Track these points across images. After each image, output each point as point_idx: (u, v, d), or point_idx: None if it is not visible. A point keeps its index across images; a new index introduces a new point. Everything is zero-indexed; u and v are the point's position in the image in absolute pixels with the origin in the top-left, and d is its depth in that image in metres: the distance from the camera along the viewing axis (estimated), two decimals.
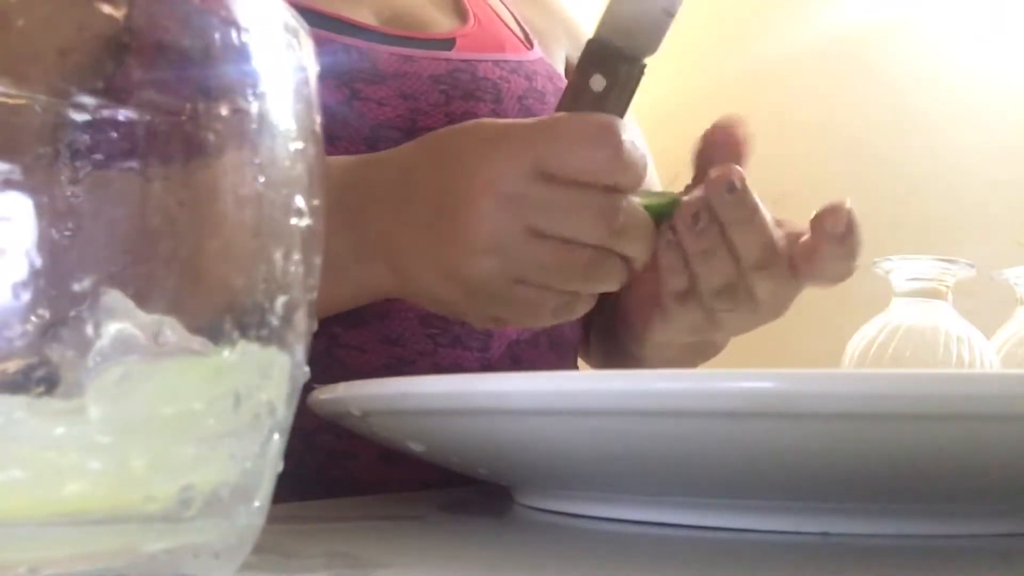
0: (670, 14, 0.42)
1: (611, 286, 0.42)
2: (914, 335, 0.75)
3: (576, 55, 0.75)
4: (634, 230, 0.41)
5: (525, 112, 0.60)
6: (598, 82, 0.42)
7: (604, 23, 0.43)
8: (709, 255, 0.43)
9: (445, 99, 0.58)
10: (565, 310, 0.43)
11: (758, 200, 0.43)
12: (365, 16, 0.62)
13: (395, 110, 0.56)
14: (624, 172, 0.40)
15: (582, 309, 0.43)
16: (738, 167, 0.42)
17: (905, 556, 0.28)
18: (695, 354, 0.57)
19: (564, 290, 0.42)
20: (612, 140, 0.40)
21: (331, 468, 0.53)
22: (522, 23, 0.70)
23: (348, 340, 0.53)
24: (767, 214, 0.43)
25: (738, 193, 0.42)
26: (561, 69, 0.72)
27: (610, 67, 0.43)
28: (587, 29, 0.77)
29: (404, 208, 0.43)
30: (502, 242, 0.40)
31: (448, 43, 0.62)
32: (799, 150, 1.47)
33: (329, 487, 0.52)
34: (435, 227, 0.41)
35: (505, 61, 0.62)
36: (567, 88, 0.45)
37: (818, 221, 0.44)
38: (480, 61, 0.61)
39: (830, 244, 0.43)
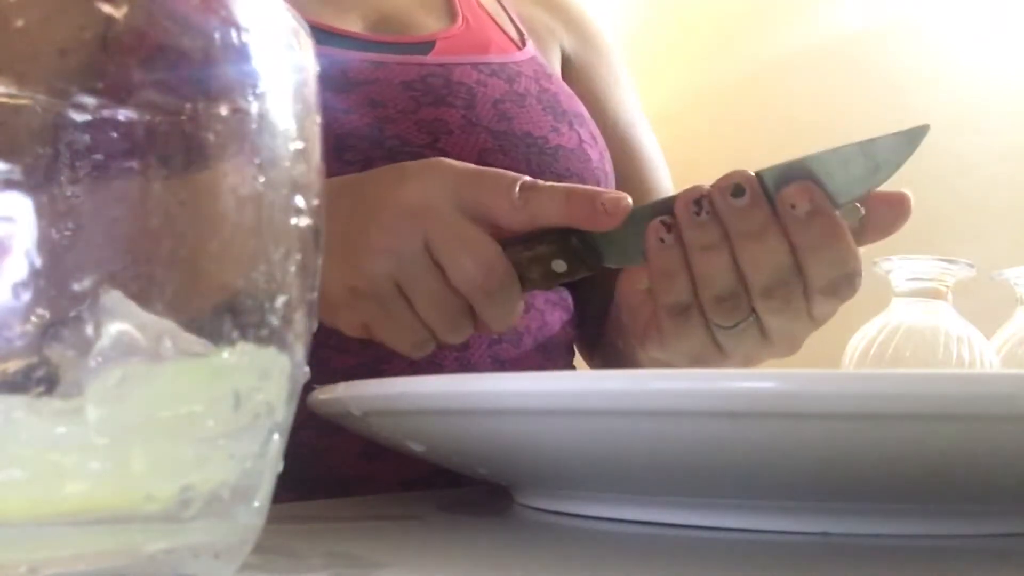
0: (646, 259, 0.43)
1: (455, 341, 0.44)
2: (914, 335, 0.75)
3: (578, 49, 0.75)
4: (502, 298, 0.43)
5: (501, 116, 0.59)
6: (559, 266, 0.44)
7: (593, 234, 0.43)
8: (711, 252, 0.41)
9: (415, 105, 0.57)
10: (419, 347, 0.44)
11: (770, 216, 0.40)
12: (351, 21, 0.61)
13: (362, 118, 0.55)
14: (513, 209, 0.42)
15: (427, 351, 0.45)
16: (749, 172, 0.40)
17: (905, 556, 0.28)
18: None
19: (427, 326, 0.43)
20: (518, 184, 0.42)
21: (313, 464, 0.53)
22: (518, 22, 0.69)
23: (326, 339, 0.53)
24: (783, 236, 0.40)
25: (746, 200, 0.40)
26: (557, 66, 0.71)
27: (577, 265, 0.44)
28: (596, 28, 0.76)
29: (332, 209, 0.44)
30: (400, 247, 0.42)
31: (427, 46, 0.62)
32: (799, 150, 1.47)
33: (311, 484, 0.52)
34: (349, 221, 0.43)
35: (486, 64, 0.61)
36: (529, 241, 0.44)
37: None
38: (457, 65, 0.60)
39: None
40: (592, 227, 0.42)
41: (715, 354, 0.44)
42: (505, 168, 0.57)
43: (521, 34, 0.68)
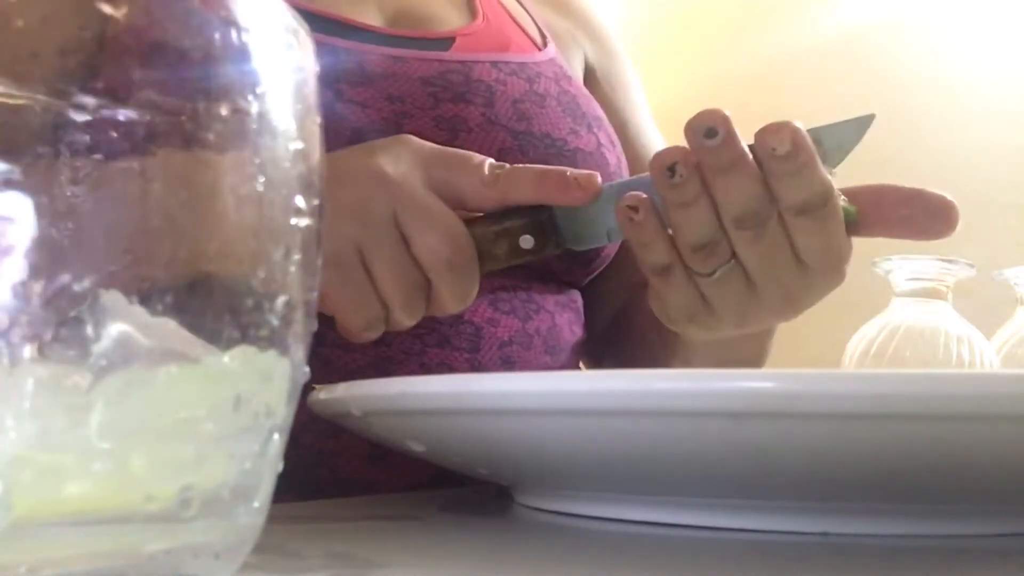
0: (610, 238, 0.46)
1: (407, 322, 0.45)
2: (914, 335, 0.76)
3: (601, 59, 0.75)
4: (463, 275, 0.44)
5: (520, 116, 0.59)
6: (527, 242, 0.46)
7: (562, 213, 0.45)
8: (689, 208, 0.42)
9: (433, 101, 0.57)
10: (371, 325, 0.45)
11: (746, 150, 0.41)
12: (369, 14, 0.61)
13: (379, 112, 0.55)
14: (484, 186, 0.44)
15: (375, 334, 0.45)
16: (723, 111, 0.41)
17: (905, 556, 0.28)
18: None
19: (383, 301, 0.44)
20: (487, 164, 0.45)
21: (317, 467, 0.52)
22: (540, 24, 0.69)
23: (334, 338, 0.52)
24: (756, 168, 0.41)
25: (719, 139, 0.40)
26: (579, 70, 0.71)
27: (544, 242, 0.46)
28: (611, 32, 0.76)
29: None
30: (368, 212, 0.43)
31: (446, 43, 0.61)
32: None
33: (315, 487, 0.52)
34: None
35: (505, 62, 0.61)
36: (497, 217, 0.46)
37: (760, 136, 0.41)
38: (476, 62, 0.60)
39: (775, 161, 0.40)
40: (565, 202, 0.44)
41: (703, 310, 0.45)
42: None
43: (543, 36, 0.68)
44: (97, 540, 0.17)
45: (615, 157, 0.63)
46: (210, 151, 0.18)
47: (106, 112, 0.17)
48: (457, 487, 0.51)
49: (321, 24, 0.57)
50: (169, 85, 0.18)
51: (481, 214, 0.46)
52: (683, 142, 0.41)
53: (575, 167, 0.59)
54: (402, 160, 0.44)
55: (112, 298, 0.17)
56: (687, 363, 0.59)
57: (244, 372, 0.18)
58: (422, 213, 0.43)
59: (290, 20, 0.20)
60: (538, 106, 0.60)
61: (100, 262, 0.17)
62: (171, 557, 0.18)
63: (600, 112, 0.65)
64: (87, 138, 0.17)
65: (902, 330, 0.76)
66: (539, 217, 0.45)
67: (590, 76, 0.73)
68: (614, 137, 0.65)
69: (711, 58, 1.72)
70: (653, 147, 0.73)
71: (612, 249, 0.63)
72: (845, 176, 0.43)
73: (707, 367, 0.58)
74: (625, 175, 0.64)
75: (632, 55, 0.79)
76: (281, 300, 0.19)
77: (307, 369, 0.21)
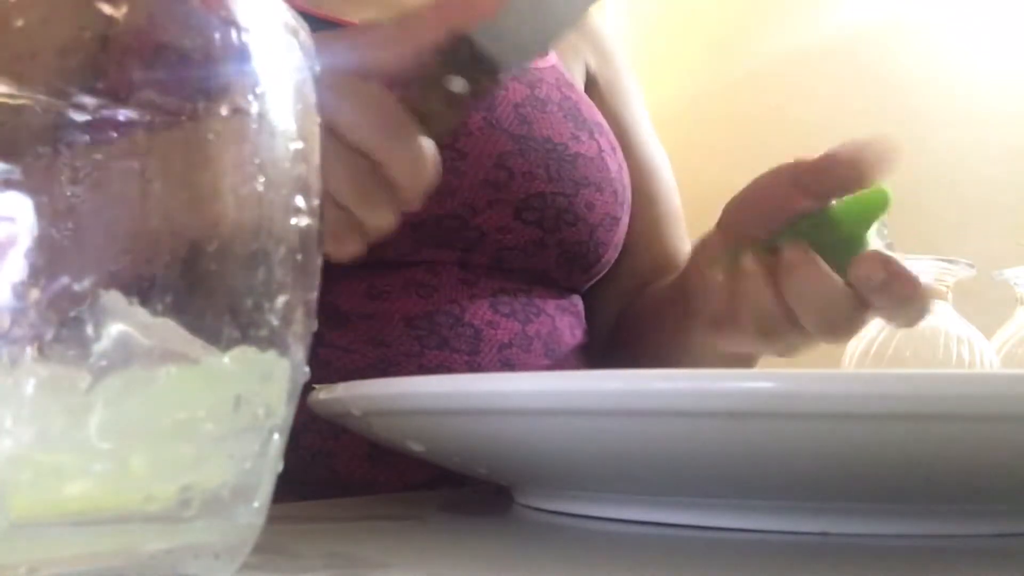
0: (542, 48, 0.43)
1: (374, 220, 0.40)
2: (914, 335, 0.76)
3: (602, 68, 0.76)
4: (404, 141, 0.39)
5: (521, 120, 0.59)
6: (458, 84, 0.41)
7: (480, 39, 0.41)
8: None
9: None
10: (341, 239, 0.40)
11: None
12: (371, 18, 0.61)
13: None
14: (386, 41, 0.40)
15: (353, 248, 0.41)
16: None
17: (905, 556, 0.28)
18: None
19: (340, 205, 0.39)
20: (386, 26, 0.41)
21: (316, 468, 0.53)
22: None
23: (333, 340, 0.52)
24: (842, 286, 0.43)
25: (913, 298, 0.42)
26: (580, 80, 0.72)
27: (475, 75, 0.41)
28: (613, 42, 0.77)
29: None
30: None
31: None
32: (799, 150, 1.47)
33: (315, 487, 0.52)
34: None
35: None
36: (419, 71, 0.41)
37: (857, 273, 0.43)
38: None
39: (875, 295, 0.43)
40: (471, 16, 0.40)
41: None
42: (523, 172, 0.57)
43: None
44: (97, 540, 0.17)
45: (616, 164, 0.63)
46: (210, 151, 0.18)
47: (106, 112, 0.17)
48: (457, 487, 0.51)
49: (325, 28, 0.57)
50: (169, 85, 0.18)
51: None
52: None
53: (576, 171, 0.59)
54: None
55: (112, 298, 0.17)
56: (693, 364, 0.59)
57: (244, 372, 0.18)
58: (330, 95, 0.38)
59: (290, 20, 0.20)
60: (539, 111, 0.60)
61: (100, 262, 0.17)
62: (171, 557, 0.18)
63: (601, 119, 0.65)
64: (87, 138, 0.17)
65: (902, 330, 0.76)
66: (458, 52, 0.41)
67: (592, 85, 0.73)
68: (615, 143, 0.65)
69: (711, 58, 1.72)
70: (653, 156, 0.74)
71: (612, 255, 0.63)
72: None
73: (712, 362, 0.58)
74: (626, 181, 0.64)
75: (632, 55, 0.79)
76: (281, 300, 0.19)
77: (307, 369, 0.21)
